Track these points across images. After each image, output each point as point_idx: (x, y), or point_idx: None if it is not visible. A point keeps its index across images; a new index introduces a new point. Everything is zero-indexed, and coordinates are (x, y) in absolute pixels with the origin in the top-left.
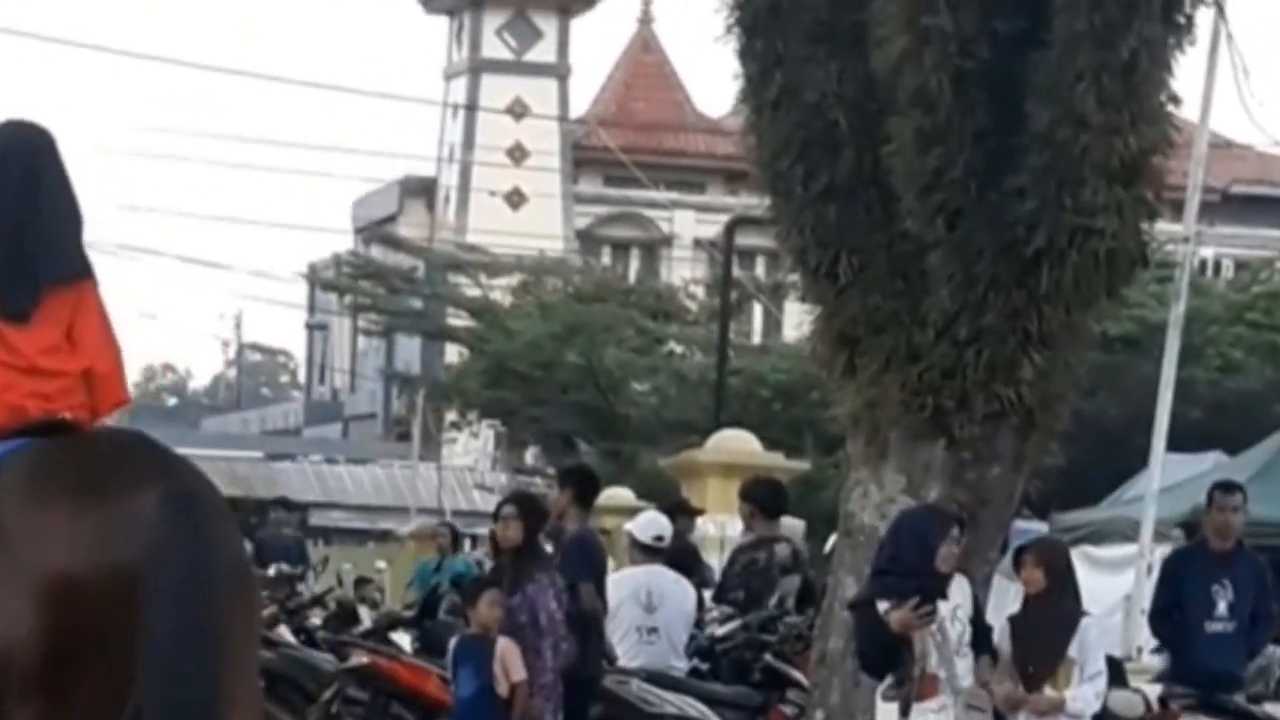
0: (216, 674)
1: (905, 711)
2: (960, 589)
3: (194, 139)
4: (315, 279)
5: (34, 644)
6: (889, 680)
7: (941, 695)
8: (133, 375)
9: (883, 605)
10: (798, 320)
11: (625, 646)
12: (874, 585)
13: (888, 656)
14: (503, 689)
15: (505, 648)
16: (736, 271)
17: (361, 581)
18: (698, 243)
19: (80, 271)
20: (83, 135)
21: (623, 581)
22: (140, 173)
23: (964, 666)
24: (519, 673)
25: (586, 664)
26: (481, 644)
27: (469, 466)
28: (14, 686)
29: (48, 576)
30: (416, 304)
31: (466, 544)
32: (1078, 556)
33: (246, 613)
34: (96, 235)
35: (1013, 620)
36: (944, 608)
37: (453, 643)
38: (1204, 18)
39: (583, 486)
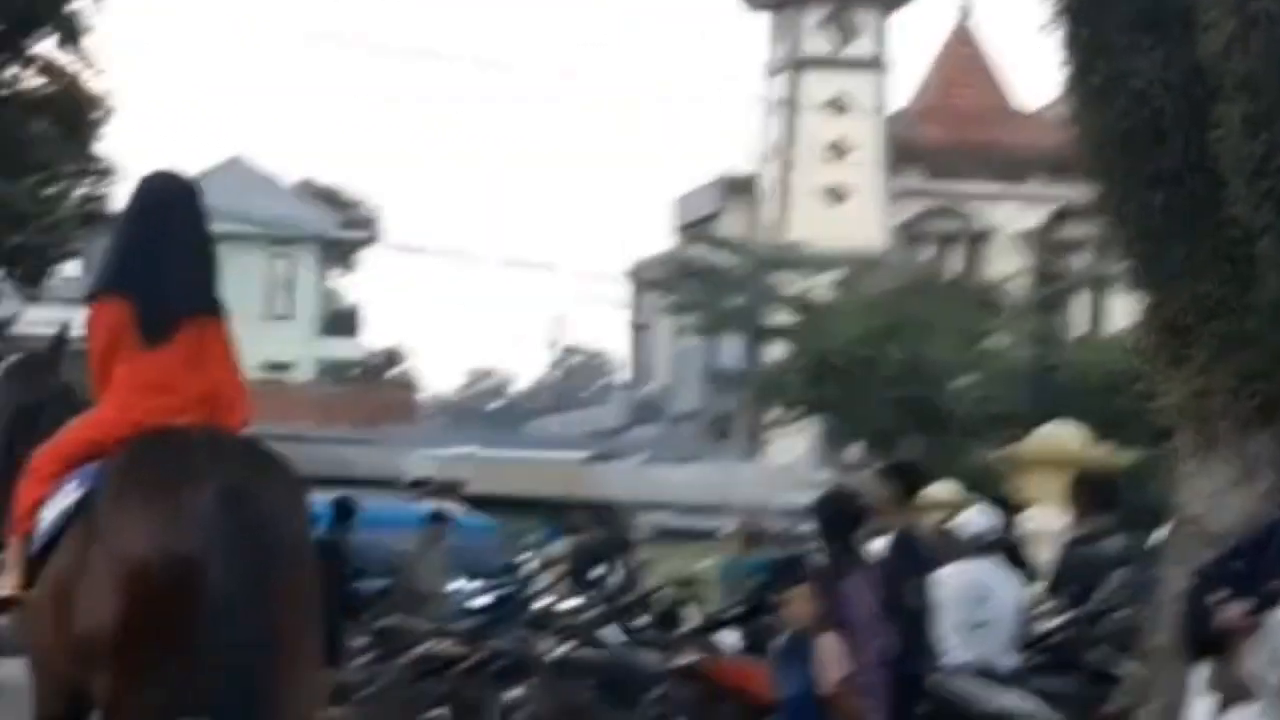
0: (266, 640)
1: (1223, 708)
2: None
3: (518, 141)
4: (638, 279)
5: (113, 622)
6: (1208, 671)
7: (1262, 701)
8: (456, 378)
9: (1218, 594)
10: (1123, 311)
11: (953, 642)
12: (1220, 567)
13: (1208, 643)
14: (823, 687)
15: (824, 645)
16: (1060, 263)
17: (687, 581)
18: (1020, 235)
19: (211, 308)
20: (415, 141)
21: (950, 576)
22: (470, 174)
23: None
24: (839, 670)
25: (914, 660)
26: (803, 642)
27: (791, 464)
28: (97, 658)
29: (126, 563)
30: (738, 302)
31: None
32: None
33: (296, 584)
34: (424, 241)
35: None
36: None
37: (778, 641)
38: None
39: (907, 481)
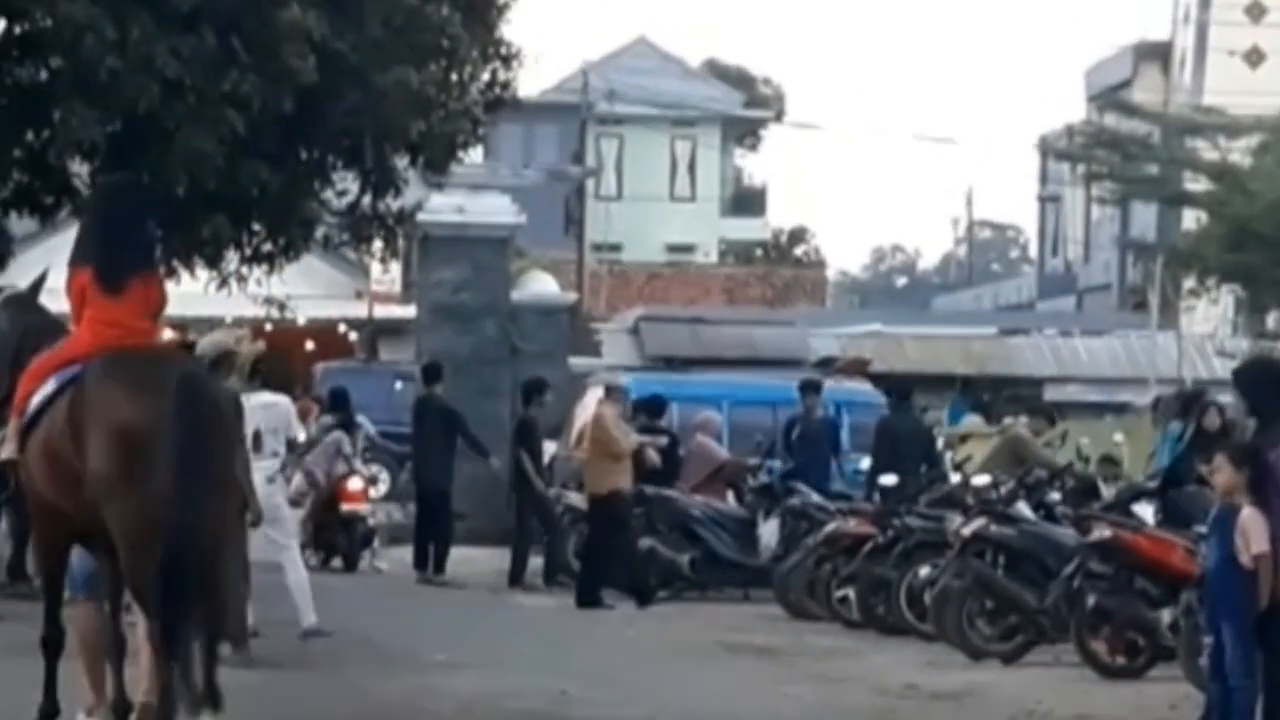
0: (204, 473)
1: None
2: None
3: (925, 12)
4: (1047, 150)
5: (110, 465)
6: None
7: None
8: (862, 257)
9: None
10: None
11: None
12: None
13: None
14: (1244, 560)
15: (1247, 518)
16: None
17: (1107, 459)
18: None
19: (153, 267)
20: (822, 16)
21: None
22: (874, 49)
23: None
24: (1259, 544)
25: None
26: (1229, 512)
27: (1209, 334)
28: (104, 491)
29: (115, 426)
30: (1152, 170)
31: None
32: None
33: (222, 440)
34: (828, 118)
35: None
36: None
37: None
38: None
39: None
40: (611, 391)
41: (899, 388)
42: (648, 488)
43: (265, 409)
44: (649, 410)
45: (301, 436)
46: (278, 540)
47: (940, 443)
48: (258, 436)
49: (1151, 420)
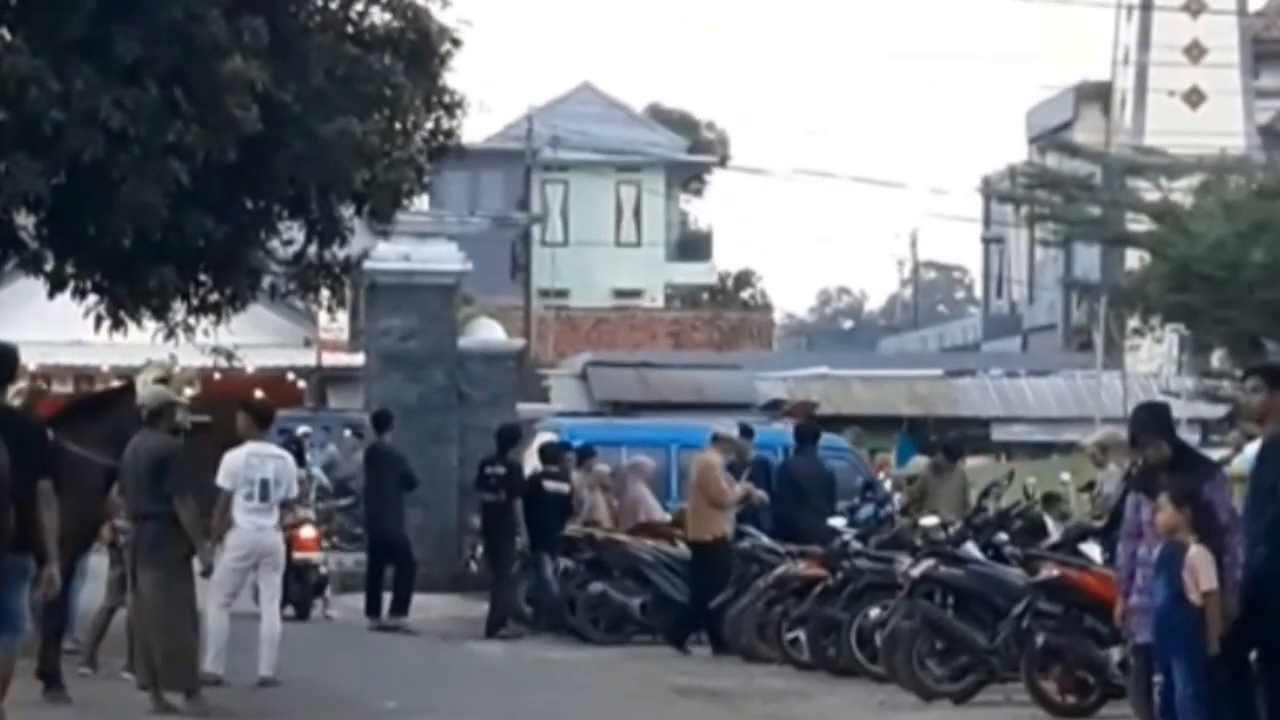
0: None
1: None
2: None
3: (866, 57)
4: (990, 192)
5: None
6: None
7: None
8: (808, 300)
9: None
10: None
11: None
12: None
13: None
14: (1194, 597)
15: (1195, 556)
16: None
17: (1052, 497)
18: None
19: None
20: (766, 60)
21: None
22: (817, 93)
23: None
24: (1208, 582)
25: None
26: (1175, 551)
27: (1153, 373)
28: None
29: None
30: (1095, 211)
31: None
32: None
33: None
34: (773, 162)
35: None
36: None
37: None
38: None
39: (1277, 384)
40: (719, 440)
41: (806, 430)
42: (596, 532)
43: (274, 460)
44: (545, 457)
45: (295, 493)
46: (271, 585)
47: (888, 484)
48: (265, 485)
49: None
